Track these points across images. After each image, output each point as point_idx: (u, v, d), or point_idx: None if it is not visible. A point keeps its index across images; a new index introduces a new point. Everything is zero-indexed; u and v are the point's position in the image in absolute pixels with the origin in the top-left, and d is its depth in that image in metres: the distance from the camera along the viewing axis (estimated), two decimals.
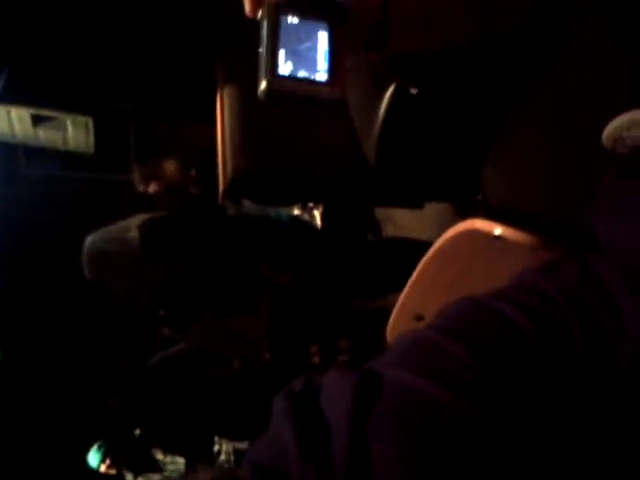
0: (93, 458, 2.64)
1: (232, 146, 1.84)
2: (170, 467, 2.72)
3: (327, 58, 0.61)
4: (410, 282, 0.86)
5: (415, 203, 2.06)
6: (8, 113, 2.64)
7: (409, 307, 0.89)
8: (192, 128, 2.83)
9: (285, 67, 0.60)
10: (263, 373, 2.13)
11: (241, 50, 1.85)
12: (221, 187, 1.86)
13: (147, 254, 1.79)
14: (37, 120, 2.70)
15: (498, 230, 0.64)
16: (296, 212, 2.69)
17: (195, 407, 2.22)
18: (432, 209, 2.21)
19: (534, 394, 0.53)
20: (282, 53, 0.60)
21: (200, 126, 2.42)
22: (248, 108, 1.85)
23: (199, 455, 2.62)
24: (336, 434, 0.51)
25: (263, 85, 0.60)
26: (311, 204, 2.67)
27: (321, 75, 0.61)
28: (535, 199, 1.08)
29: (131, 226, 1.87)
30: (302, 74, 0.60)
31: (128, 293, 1.88)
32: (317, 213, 2.67)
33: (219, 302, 1.94)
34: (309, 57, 0.60)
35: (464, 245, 0.72)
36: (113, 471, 2.63)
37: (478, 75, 1.41)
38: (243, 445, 2.84)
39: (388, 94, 1.48)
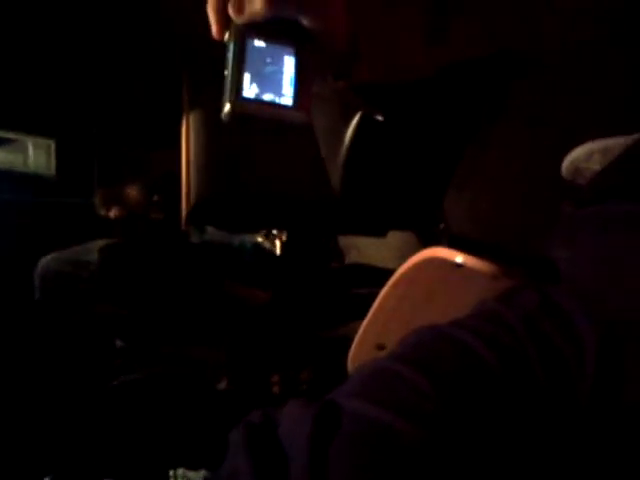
0: None
1: (195, 171, 1.82)
2: None
3: (293, 82, 0.61)
4: (371, 311, 0.86)
5: (379, 231, 2.07)
6: None
7: (370, 336, 0.88)
8: (156, 152, 2.81)
9: (250, 90, 0.60)
10: (222, 401, 2.10)
11: (207, 73, 1.85)
12: (184, 212, 1.84)
13: (104, 279, 1.75)
14: None
15: (459, 258, 0.64)
16: (259, 239, 2.68)
17: (153, 434, 2.16)
18: (396, 238, 2.22)
19: (494, 423, 0.53)
20: (247, 76, 0.60)
21: (164, 150, 2.41)
22: (213, 133, 1.85)
23: None
24: (295, 466, 0.50)
25: (227, 107, 0.60)
26: (275, 231, 2.66)
27: (286, 99, 0.61)
28: (496, 227, 1.09)
29: (91, 249, 1.84)
30: (267, 97, 0.60)
31: (82, 316, 1.83)
32: (278, 242, 2.67)
33: (178, 332, 1.90)
34: (275, 81, 0.60)
35: (425, 273, 0.72)
36: None
37: (443, 104, 1.43)
38: (198, 476, 2.77)
39: (354, 122, 1.49)
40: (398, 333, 0.64)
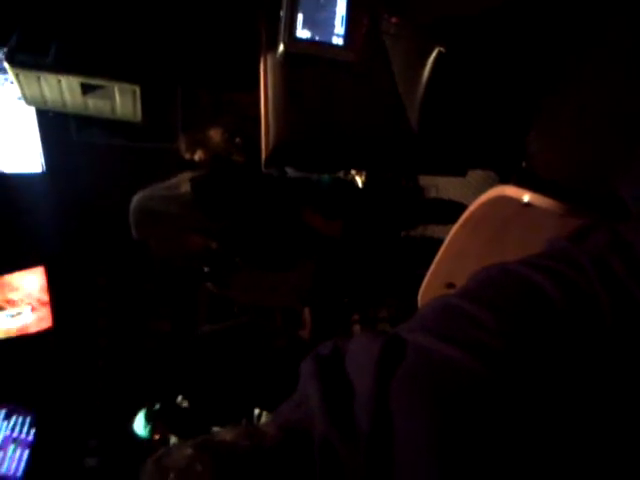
0: (140, 426, 2.67)
1: (275, 114, 1.83)
2: None
3: (344, 23, 0.62)
4: (441, 249, 0.86)
5: (458, 170, 2.03)
6: (59, 82, 2.69)
7: (440, 274, 0.88)
8: (236, 95, 2.84)
9: (303, 31, 0.61)
10: (306, 349, 2.16)
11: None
12: (263, 154, 1.87)
13: (199, 204, 1.83)
14: (86, 89, 2.74)
15: (527, 197, 0.63)
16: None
17: (240, 380, 2.27)
18: (476, 177, 2.18)
19: (557, 361, 0.52)
20: (301, 17, 0.61)
21: (244, 93, 2.43)
22: (291, 75, 1.84)
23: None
24: (360, 396, 0.52)
25: (281, 47, 0.61)
26: (353, 172, 2.66)
27: (337, 39, 0.62)
28: (577, 166, 1.05)
29: (179, 183, 1.91)
30: (319, 37, 0.61)
31: (174, 249, 1.92)
32: (359, 179, 2.66)
33: (263, 257, 1.97)
34: (327, 21, 0.61)
35: (494, 212, 0.71)
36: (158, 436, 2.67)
37: (524, 42, 1.37)
38: None
39: (431, 59, 1.46)
40: (468, 272, 0.64)
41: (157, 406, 2.67)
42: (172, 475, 0.52)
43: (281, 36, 0.54)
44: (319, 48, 0.54)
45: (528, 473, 0.48)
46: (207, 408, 2.59)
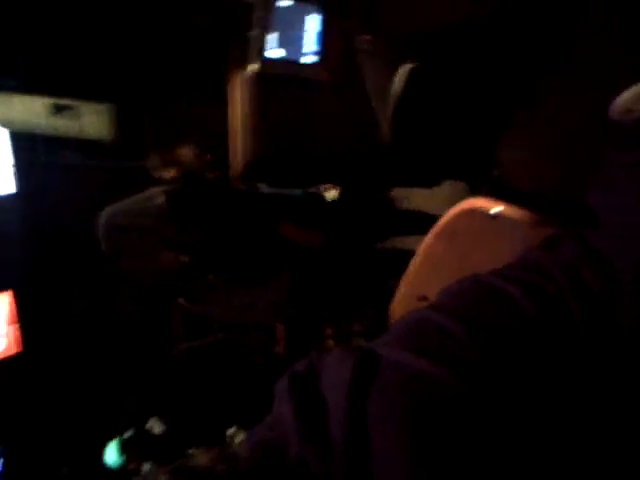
0: (114, 457, 2.61)
1: (246, 130, 1.84)
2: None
3: (318, 40, 0.60)
4: (413, 262, 0.86)
5: (430, 181, 2.04)
6: (28, 103, 2.67)
7: (412, 287, 0.88)
8: (205, 110, 2.83)
9: (275, 50, 0.59)
10: (281, 365, 2.15)
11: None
12: (236, 170, 1.87)
13: (173, 216, 1.81)
14: (55, 109, 2.72)
15: (497, 208, 0.63)
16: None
17: (217, 398, 2.25)
18: (448, 187, 2.19)
19: (531, 371, 0.52)
20: (272, 36, 0.59)
21: (212, 108, 2.43)
22: (260, 90, 1.84)
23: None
24: (334, 413, 0.51)
25: (253, 67, 0.59)
26: (327, 185, 2.66)
27: (311, 57, 0.60)
28: (546, 175, 1.06)
29: (151, 197, 1.90)
30: (291, 56, 0.60)
31: (144, 265, 1.90)
32: (333, 191, 2.67)
33: (237, 271, 1.95)
34: (299, 40, 0.60)
35: (465, 224, 0.72)
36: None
37: (494, 50, 1.39)
38: None
39: (403, 73, 1.47)
40: (440, 284, 0.64)
41: (128, 434, 2.64)
42: None
43: (252, 56, 0.53)
44: (292, 67, 0.53)
45: None
46: (183, 428, 2.57)
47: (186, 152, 2.44)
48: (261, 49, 0.51)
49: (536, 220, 0.61)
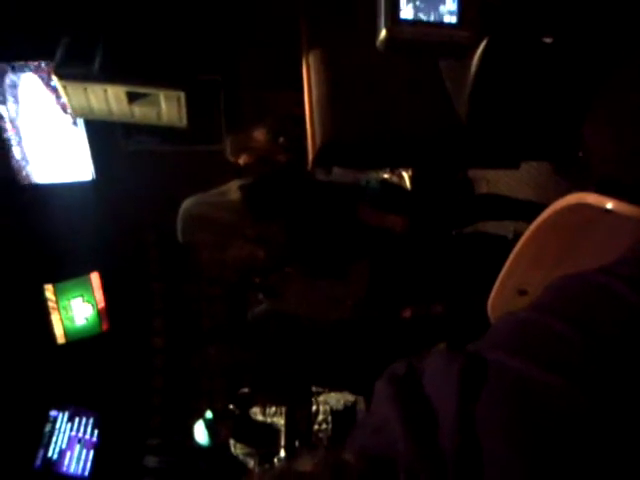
0: (202, 434, 2.74)
1: (320, 113, 1.83)
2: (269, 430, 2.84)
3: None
4: (512, 255, 0.84)
5: (511, 163, 1.99)
6: (105, 92, 2.74)
7: (511, 280, 0.87)
8: (278, 95, 2.85)
9: (407, 11, 0.51)
10: (357, 328, 2.16)
11: (325, 13, 1.82)
12: (310, 154, 1.86)
13: (250, 209, 1.83)
14: (132, 97, 2.79)
15: (610, 204, 0.61)
16: (385, 176, 2.67)
17: (296, 356, 2.30)
18: (528, 168, 2.13)
19: None
20: None
21: (287, 93, 2.43)
22: (335, 73, 1.83)
23: (299, 407, 2.74)
24: (444, 420, 0.51)
25: (383, 34, 0.51)
26: (399, 171, 2.64)
27: (450, 17, 0.52)
28: (633, 160, 1.02)
29: (228, 190, 1.92)
30: (427, 17, 0.51)
31: (222, 258, 1.91)
32: (406, 175, 2.64)
33: (316, 262, 1.96)
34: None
35: (571, 219, 0.69)
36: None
37: (578, 31, 1.33)
38: (339, 406, 2.93)
39: (480, 49, 1.43)
40: (541, 279, 0.62)
41: (209, 414, 2.76)
42: None
43: (381, 20, 0.47)
44: (428, 30, 0.47)
45: None
46: (270, 387, 2.65)
47: (259, 136, 2.46)
48: (394, 10, 0.46)
49: None
